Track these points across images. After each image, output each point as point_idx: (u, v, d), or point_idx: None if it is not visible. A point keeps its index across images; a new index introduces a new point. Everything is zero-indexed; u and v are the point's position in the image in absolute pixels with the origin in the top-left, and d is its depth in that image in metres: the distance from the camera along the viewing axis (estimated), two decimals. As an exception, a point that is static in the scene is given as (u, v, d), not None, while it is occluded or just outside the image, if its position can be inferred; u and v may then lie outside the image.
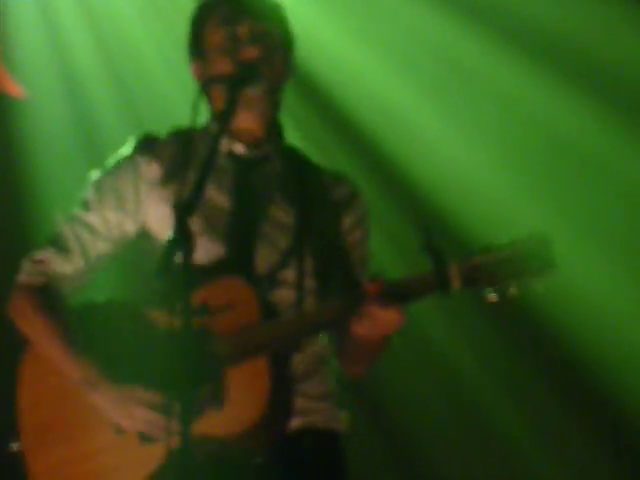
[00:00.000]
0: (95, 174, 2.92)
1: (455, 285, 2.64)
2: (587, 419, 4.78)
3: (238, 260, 2.90)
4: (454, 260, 2.67)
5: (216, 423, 2.66)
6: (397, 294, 2.72)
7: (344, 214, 3.04)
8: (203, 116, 2.91)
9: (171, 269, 2.32)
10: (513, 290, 2.66)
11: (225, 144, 2.85)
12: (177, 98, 3.96)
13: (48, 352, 2.84)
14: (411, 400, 4.80)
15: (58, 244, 2.90)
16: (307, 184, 3.07)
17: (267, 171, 2.97)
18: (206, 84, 2.87)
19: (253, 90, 2.79)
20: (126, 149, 2.92)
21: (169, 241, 2.32)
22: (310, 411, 2.95)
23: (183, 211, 2.38)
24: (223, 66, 2.84)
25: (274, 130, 2.98)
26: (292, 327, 2.82)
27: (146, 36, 4.59)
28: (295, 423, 2.88)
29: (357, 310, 2.68)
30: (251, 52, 2.81)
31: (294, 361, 2.90)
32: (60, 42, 4.67)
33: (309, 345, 2.94)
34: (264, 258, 2.90)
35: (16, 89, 4.48)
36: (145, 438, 2.78)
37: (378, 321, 2.68)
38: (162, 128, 2.98)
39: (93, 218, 2.86)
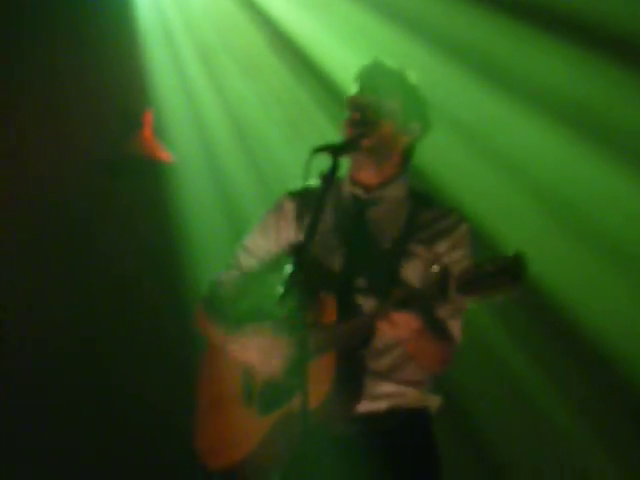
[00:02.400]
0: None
1: (452, 295, 2.96)
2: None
3: (342, 278, 3.34)
4: (453, 275, 2.97)
5: (314, 402, 3.11)
6: (408, 301, 3.09)
7: (442, 240, 3.36)
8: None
9: (290, 294, 2.96)
10: (498, 298, 2.91)
11: (349, 188, 3.34)
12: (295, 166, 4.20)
13: (211, 337, 3.53)
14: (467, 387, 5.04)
15: (227, 265, 3.62)
16: (409, 219, 3.43)
17: (377, 210, 3.36)
18: (328, 149, 3.24)
19: (355, 155, 3.26)
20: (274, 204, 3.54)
21: (290, 274, 2.92)
22: (399, 395, 3.33)
23: (299, 249, 2.97)
24: (345, 130, 3.32)
25: (389, 180, 3.38)
26: (349, 328, 3.24)
27: (271, 120, 5.08)
28: (384, 404, 3.29)
29: (379, 314, 3.10)
30: (355, 118, 3.29)
31: (382, 357, 3.31)
32: (200, 118, 5.23)
33: (395, 344, 3.32)
34: (363, 275, 3.31)
35: (166, 155, 5.07)
36: (261, 411, 3.35)
37: (395, 323, 3.08)
38: (282, 191, 3.54)
39: (248, 242, 3.53)
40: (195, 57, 5.21)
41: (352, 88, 3.40)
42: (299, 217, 3.46)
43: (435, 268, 3.06)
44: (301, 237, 3.30)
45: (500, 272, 2.87)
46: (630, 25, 4.68)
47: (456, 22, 4.87)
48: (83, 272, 5.22)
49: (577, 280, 4.84)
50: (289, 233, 3.44)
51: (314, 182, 3.38)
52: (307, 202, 3.46)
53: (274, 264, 3.48)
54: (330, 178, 3.16)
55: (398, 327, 3.07)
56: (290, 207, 3.49)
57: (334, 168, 3.15)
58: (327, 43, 4.84)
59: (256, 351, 3.36)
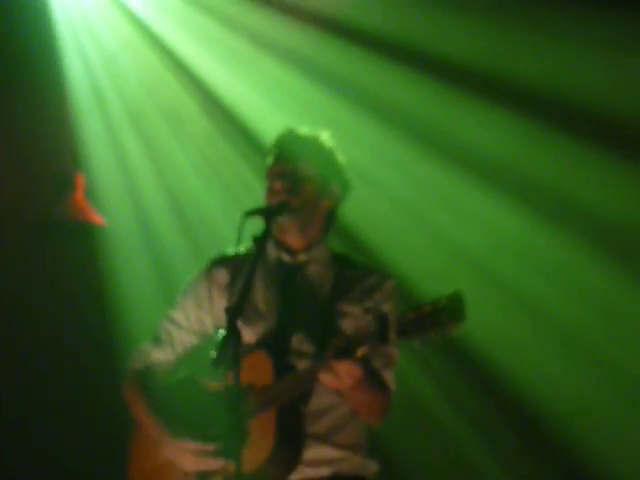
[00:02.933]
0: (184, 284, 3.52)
1: (392, 336, 2.99)
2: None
3: (276, 340, 3.35)
4: (391, 318, 3.02)
5: (244, 462, 2.99)
6: (349, 348, 3.09)
7: (370, 297, 3.42)
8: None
9: (224, 356, 2.89)
10: (435, 337, 2.95)
11: (275, 253, 3.38)
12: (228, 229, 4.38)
13: (140, 419, 3.42)
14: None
15: (155, 337, 3.49)
16: (336, 280, 3.48)
17: (305, 273, 3.43)
18: (257, 212, 3.32)
19: (282, 219, 3.30)
20: (200, 270, 3.51)
21: (222, 337, 2.87)
22: (340, 460, 3.32)
23: (233, 313, 2.93)
24: (268, 200, 3.37)
25: (313, 243, 3.44)
26: (288, 384, 3.22)
27: (203, 183, 5.08)
28: (325, 471, 3.28)
29: (321, 366, 3.09)
30: (279, 188, 3.32)
31: (321, 419, 3.30)
32: (131, 180, 5.20)
33: (335, 405, 3.32)
34: (297, 337, 3.32)
35: (98, 218, 5.01)
36: (202, 478, 3.26)
37: (337, 373, 3.07)
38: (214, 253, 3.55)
39: (178, 315, 3.44)
40: (125, 119, 5.22)
41: (268, 159, 3.46)
42: (230, 284, 3.47)
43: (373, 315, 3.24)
44: (233, 302, 3.26)
45: (439, 312, 2.91)
46: (548, 82, 4.78)
47: (383, 83, 4.92)
48: (9, 334, 5.11)
49: (502, 337, 4.88)
50: (222, 302, 3.43)
51: (238, 248, 3.45)
52: (237, 268, 3.48)
53: (207, 336, 3.47)
54: (263, 240, 3.21)
55: (340, 377, 3.05)
56: (220, 275, 3.50)
57: (267, 230, 3.22)
58: (254, 102, 4.92)
59: (191, 457, 3.33)
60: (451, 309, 2.92)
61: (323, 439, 3.27)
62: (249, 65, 5.02)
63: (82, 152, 5.15)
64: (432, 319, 2.94)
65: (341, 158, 3.52)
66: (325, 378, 3.05)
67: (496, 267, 4.95)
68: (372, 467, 3.35)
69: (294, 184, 3.36)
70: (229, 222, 3.86)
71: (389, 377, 3.32)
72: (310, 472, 3.22)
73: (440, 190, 4.93)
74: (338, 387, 3.09)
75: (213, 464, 3.26)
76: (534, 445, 5.00)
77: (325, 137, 3.53)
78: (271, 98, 4.86)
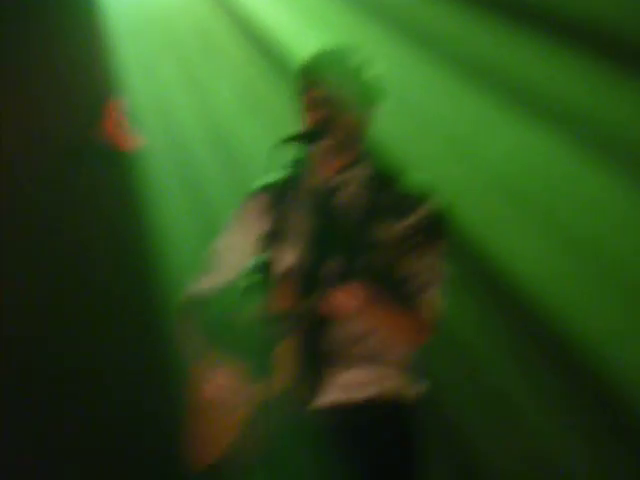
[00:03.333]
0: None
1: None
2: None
3: (306, 267, 3.41)
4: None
5: (275, 384, 3.25)
6: (355, 269, 3.27)
7: (406, 218, 3.38)
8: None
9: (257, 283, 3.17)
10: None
11: (311, 178, 3.42)
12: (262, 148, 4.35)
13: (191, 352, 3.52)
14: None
15: (203, 265, 3.62)
16: (370, 204, 3.46)
17: (345, 193, 3.42)
18: (292, 140, 3.37)
19: (322, 144, 3.30)
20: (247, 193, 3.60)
21: (256, 264, 3.15)
22: (385, 378, 3.38)
23: (267, 241, 3.16)
24: (307, 123, 3.37)
25: (348, 165, 3.43)
26: (310, 309, 3.33)
27: (240, 108, 5.17)
28: (370, 390, 3.33)
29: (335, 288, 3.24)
30: (320, 114, 3.33)
31: (363, 342, 3.35)
32: (169, 106, 5.32)
33: (371, 330, 3.39)
34: (326, 263, 3.34)
35: (134, 143, 5.15)
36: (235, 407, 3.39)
37: (348, 292, 3.21)
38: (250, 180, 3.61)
39: (224, 243, 3.58)
40: (162, 46, 5.30)
41: (302, 81, 3.48)
42: (267, 212, 3.53)
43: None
44: (270, 229, 3.45)
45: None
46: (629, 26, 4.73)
47: (438, 18, 4.95)
48: (49, 258, 5.24)
49: (563, 288, 4.93)
50: (259, 230, 3.52)
51: (278, 175, 3.53)
52: (276, 195, 3.54)
53: (248, 263, 3.56)
54: (301, 166, 3.35)
55: (352, 296, 3.17)
56: (261, 203, 3.54)
57: (305, 156, 3.32)
58: (291, 26, 4.99)
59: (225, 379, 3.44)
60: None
61: (359, 362, 3.33)
62: None
63: (119, 79, 5.22)
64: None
65: (370, 74, 3.52)
66: (339, 297, 3.18)
67: (557, 215, 5.04)
68: (418, 387, 3.40)
69: (330, 107, 3.36)
70: (266, 148, 3.89)
71: (430, 297, 3.37)
72: (344, 394, 3.31)
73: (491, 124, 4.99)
74: (353, 306, 3.20)
75: (249, 386, 3.37)
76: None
77: (354, 55, 3.51)
78: (308, 22, 4.91)
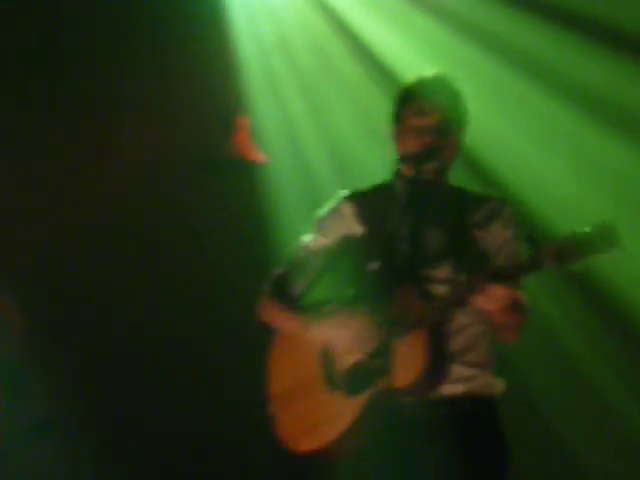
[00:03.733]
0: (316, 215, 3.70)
1: (546, 264, 3.09)
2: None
3: (413, 267, 3.44)
4: (545, 246, 3.10)
5: (395, 379, 3.24)
6: (503, 273, 3.19)
7: (493, 221, 3.50)
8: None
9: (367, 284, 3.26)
10: (583, 263, 3.05)
11: (406, 187, 3.46)
12: (375, 164, 4.59)
13: (283, 326, 3.64)
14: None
15: (289, 262, 3.71)
16: (463, 210, 3.54)
17: (434, 205, 3.50)
18: (401, 160, 3.46)
19: (429, 166, 3.38)
20: (334, 199, 3.66)
21: (369, 267, 3.26)
22: (473, 378, 3.41)
23: (370, 245, 3.33)
24: (412, 145, 3.40)
25: (442, 174, 3.50)
26: (436, 307, 3.33)
27: (355, 127, 5.33)
28: (458, 389, 3.36)
29: (475, 289, 3.19)
30: (429, 140, 3.38)
31: (456, 338, 3.39)
32: (290, 122, 5.46)
33: (468, 325, 3.43)
34: (433, 264, 3.44)
35: (259, 156, 5.34)
36: (350, 391, 3.38)
37: (491, 296, 3.15)
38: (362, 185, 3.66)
39: (309, 242, 3.66)
40: (285, 67, 5.45)
41: (412, 103, 3.48)
42: (360, 214, 3.59)
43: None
44: (364, 237, 3.53)
45: (589, 240, 3.00)
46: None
47: (527, 39, 4.99)
48: (182, 264, 5.45)
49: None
50: (347, 231, 3.59)
51: (367, 185, 3.62)
52: (365, 202, 3.60)
53: (332, 261, 3.62)
54: (399, 179, 3.44)
55: (495, 299, 3.16)
56: (348, 208, 3.61)
57: (417, 174, 3.38)
58: (405, 54, 5.05)
59: (346, 331, 3.42)
60: (601, 238, 3.00)
61: (457, 357, 3.36)
62: (401, 19, 5.16)
63: (246, 96, 5.40)
64: (586, 247, 3.02)
65: (466, 100, 3.57)
66: (478, 300, 3.15)
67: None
68: (500, 386, 3.44)
69: (441, 129, 3.41)
70: (376, 161, 4.00)
71: (524, 296, 3.40)
72: (446, 389, 3.31)
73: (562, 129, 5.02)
74: (489, 309, 3.19)
75: (370, 333, 3.41)
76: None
77: (452, 80, 3.56)
78: (421, 51, 4.98)
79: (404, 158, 3.42)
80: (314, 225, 3.71)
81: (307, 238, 3.69)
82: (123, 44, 5.48)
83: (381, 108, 4.57)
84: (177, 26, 5.40)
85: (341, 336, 3.45)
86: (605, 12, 4.90)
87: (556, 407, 5.18)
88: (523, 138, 5.16)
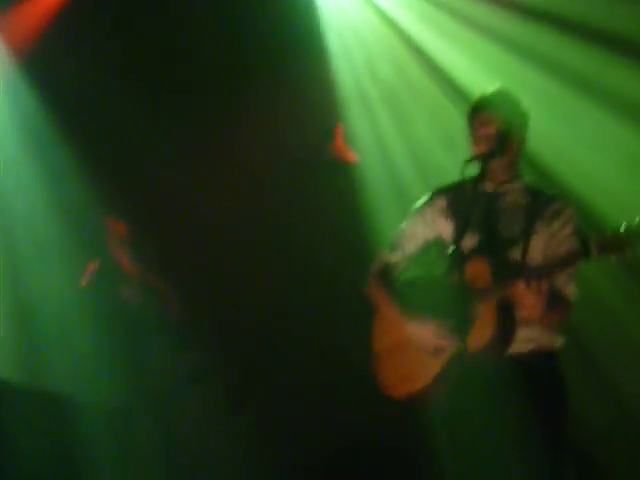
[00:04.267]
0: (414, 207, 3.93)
1: (593, 254, 3.28)
2: None
3: (488, 250, 3.63)
4: (593, 238, 3.29)
5: (470, 342, 3.48)
6: (557, 264, 3.40)
7: (556, 219, 3.63)
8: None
9: (452, 262, 3.48)
10: (628, 255, 3.22)
11: (484, 186, 3.64)
12: (450, 165, 4.65)
13: (382, 305, 3.85)
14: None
15: (391, 245, 3.93)
16: (529, 206, 3.68)
17: (507, 199, 3.69)
18: (474, 158, 3.64)
19: (496, 162, 3.62)
20: (428, 193, 3.86)
21: (450, 247, 3.50)
22: (535, 338, 3.58)
23: (457, 231, 3.53)
24: (480, 149, 3.65)
25: (512, 178, 3.69)
26: (502, 290, 3.49)
27: (431, 133, 5.50)
28: (524, 347, 3.54)
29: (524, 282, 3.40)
30: (492, 144, 3.61)
31: (527, 306, 3.46)
32: (378, 130, 5.65)
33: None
34: (503, 248, 3.60)
35: (353, 158, 5.61)
36: (436, 352, 3.59)
37: (535, 290, 3.34)
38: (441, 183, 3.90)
39: (408, 228, 3.86)
40: (373, 83, 5.68)
41: (479, 112, 3.69)
42: (448, 209, 3.79)
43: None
44: (451, 225, 3.71)
45: (632, 235, 3.20)
46: None
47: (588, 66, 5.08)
48: (285, 258, 5.71)
49: None
50: (440, 222, 3.78)
51: (454, 181, 3.77)
52: (453, 195, 3.80)
53: (427, 247, 3.83)
54: (480, 178, 3.60)
55: (529, 300, 3.38)
56: (440, 201, 3.82)
57: (484, 170, 3.61)
58: (474, 75, 5.19)
59: (429, 332, 3.62)
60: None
61: (522, 322, 3.52)
62: (469, 45, 5.35)
63: (341, 108, 5.69)
64: (627, 239, 3.23)
65: (526, 110, 3.73)
66: (521, 291, 3.36)
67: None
68: (560, 341, 3.65)
69: (503, 134, 3.62)
70: (452, 166, 4.02)
71: (570, 292, 3.59)
72: (515, 348, 3.52)
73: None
74: (529, 299, 3.39)
75: (446, 341, 3.61)
76: None
77: (515, 95, 3.75)
78: (486, 71, 5.15)
79: (476, 158, 3.63)
80: (411, 214, 3.89)
81: (406, 225, 3.88)
82: (242, 70, 5.76)
83: (453, 119, 4.92)
84: (284, 53, 5.65)
85: (426, 335, 3.61)
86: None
87: (610, 358, 5.21)
88: (580, 145, 5.19)
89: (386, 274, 3.88)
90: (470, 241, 3.64)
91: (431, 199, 3.84)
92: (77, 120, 5.75)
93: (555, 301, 3.47)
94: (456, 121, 4.27)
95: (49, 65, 5.77)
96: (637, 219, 3.23)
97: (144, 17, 5.83)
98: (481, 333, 3.51)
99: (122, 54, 5.78)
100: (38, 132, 5.80)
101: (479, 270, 3.60)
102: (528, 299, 3.37)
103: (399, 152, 5.61)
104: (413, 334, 3.72)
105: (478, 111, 3.74)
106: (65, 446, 4.50)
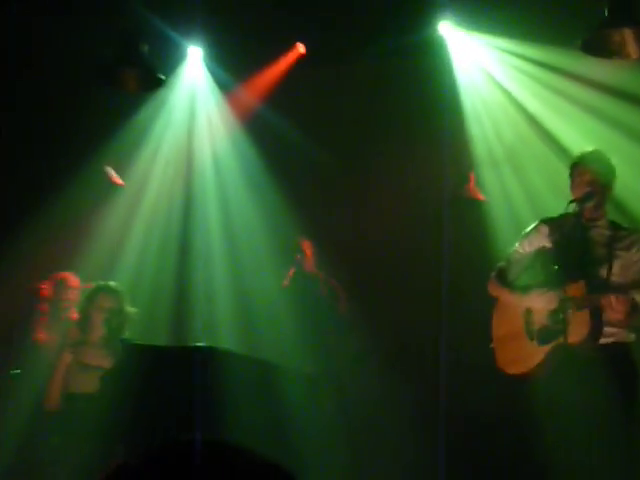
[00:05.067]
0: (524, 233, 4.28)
1: None
2: None
3: (584, 269, 3.90)
4: None
5: (570, 336, 3.80)
6: (629, 287, 3.77)
7: (633, 248, 3.91)
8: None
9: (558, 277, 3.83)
10: None
11: (578, 220, 3.95)
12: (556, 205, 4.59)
13: (503, 297, 4.17)
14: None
15: (506, 258, 4.31)
16: (613, 236, 3.98)
17: (595, 230, 4.02)
18: (574, 200, 4.00)
19: (588, 205, 4.00)
20: (535, 222, 4.24)
21: (556, 266, 3.86)
22: (615, 334, 3.88)
23: (562, 255, 3.87)
24: (578, 193, 4.06)
25: (601, 215, 4.03)
26: (594, 298, 3.81)
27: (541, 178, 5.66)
28: (609, 340, 3.87)
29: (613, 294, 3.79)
30: (587, 190, 4.00)
31: (606, 312, 3.78)
32: (500, 175, 5.90)
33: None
34: (594, 267, 3.91)
35: (481, 197, 5.84)
36: (540, 342, 3.91)
37: (615, 304, 3.71)
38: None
39: (519, 247, 4.25)
40: (498, 142, 5.96)
41: (579, 166, 4.04)
42: (551, 235, 4.14)
43: None
44: (551, 246, 4.03)
45: None
46: None
47: None
48: (419, 279, 6.01)
49: None
50: (542, 243, 4.13)
51: (553, 216, 4.13)
52: (555, 225, 4.14)
53: (532, 262, 4.18)
54: (579, 214, 3.99)
55: (620, 301, 3.73)
56: (544, 229, 4.18)
57: (581, 209, 3.98)
58: (575, 139, 5.37)
59: (538, 305, 4.01)
60: None
61: (607, 323, 3.89)
62: (576, 121, 5.56)
63: (474, 158, 6.00)
64: None
65: (613, 166, 4.10)
66: (614, 298, 3.75)
67: None
68: (632, 337, 4.03)
69: (595, 183, 4.02)
70: (557, 205, 4.32)
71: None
72: (602, 341, 3.89)
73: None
74: (616, 306, 3.76)
75: (554, 331, 3.89)
76: None
77: (605, 154, 4.15)
78: (584, 137, 5.29)
79: (575, 201, 3.97)
80: (523, 238, 4.24)
81: (518, 246, 4.24)
82: (382, 130, 6.17)
83: (559, 173, 5.09)
84: (431, 118, 5.91)
85: (536, 308, 3.97)
86: None
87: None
88: None
89: (502, 276, 4.25)
90: (571, 259, 3.89)
91: (537, 226, 4.18)
92: (283, 168, 6.25)
93: (633, 308, 3.81)
94: (561, 175, 4.55)
95: (266, 127, 6.32)
96: None
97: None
98: (579, 330, 3.81)
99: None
100: (256, 176, 6.30)
101: (578, 285, 3.87)
102: (617, 307, 3.68)
103: (517, 195, 5.74)
104: (531, 302, 3.97)
105: (577, 165, 4.12)
106: (271, 402, 4.52)
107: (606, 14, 4.56)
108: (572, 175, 4.13)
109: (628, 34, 4.55)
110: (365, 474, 5.55)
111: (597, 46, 4.67)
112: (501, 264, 4.29)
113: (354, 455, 5.42)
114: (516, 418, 4.75)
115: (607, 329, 3.89)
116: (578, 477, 3.79)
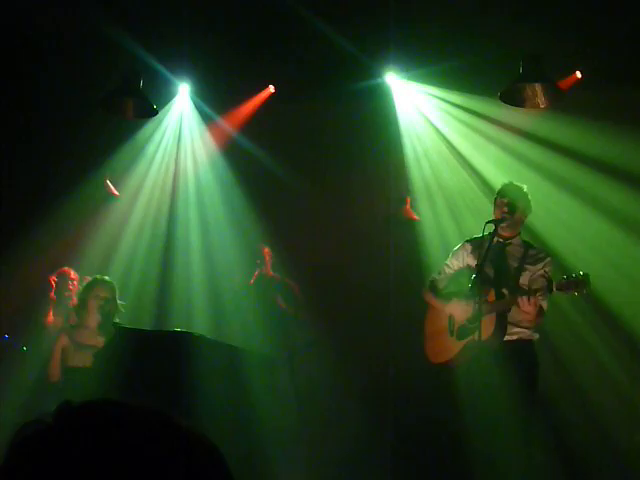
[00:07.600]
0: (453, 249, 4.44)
1: (554, 290, 3.74)
2: None
3: (496, 280, 4.02)
4: (555, 281, 3.79)
5: (481, 334, 3.88)
6: (537, 291, 3.79)
7: (538, 263, 4.03)
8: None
9: (473, 286, 3.93)
10: (574, 294, 3.68)
11: (496, 239, 4.06)
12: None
13: (434, 304, 4.32)
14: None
15: (438, 272, 4.43)
16: (523, 253, 4.08)
17: (509, 249, 4.13)
18: (490, 221, 4.11)
19: (503, 225, 4.16)
20: (461, 242, 4.36)
21: (473, 278, 3.90)
22: (519, 332, 3.99)
23: (477, 267, 3.96)
24: (496, 215, 4.18)
25: (514, 235, 4.17)
26: (503, 303, 3.92)
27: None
28: (513, 337, 3.98)
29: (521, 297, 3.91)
30: (503, 213, 4.14)
31: (511, 314, 3.93)
32: (433, 202, 6.13)
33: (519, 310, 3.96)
34: (505, 280, 4.00)
35: (415, 217, 5.96)
36: (459, 338, 4.03)
37: (530, 301, 3.78)
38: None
39: (448, 262, 4.36)
40: (432, 174, 6.12)
41: (498, 195, 4.22)
42: (473, 251, 4.28)
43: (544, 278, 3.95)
44: (475, 262, 4.09)
45: (578, 281, 3.66)
46: None
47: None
48: (374, 276, 6.02)
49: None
50: (467, 259, 4.28)
51: (477, 236, 4.23)
52: (477, 244, 4.26)
53: (457, 273, 4.33)
54: (493, 234, 4.14)
55: (529, 304, 3.84)
56: (468, 247, 4.34)
57: (495, 229, 4.14)
58: (500, 177, 5.24)
59: (459, 310, 4.15)
60: (585, 281, 3.66)
61: (511, 323, 4.03)
62: (502, 163, 5.71)
63: (410, 185, 6.14)
64: (575, 284, 3.68)
65: (529, 197, 4.24)
66: (521, 302, 3.86)
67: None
68: (536, 336, 4.15)
69: (510, 208, 4.16)
70: (479, 226, 4.39)
71: (545, 305, 4.08)
72: (507, 337, 4.00)
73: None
74: (525, 308, 3.87)
75: (470, 329, 4.08)
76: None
77: (524, 187, 4.29)
78: (509, 177, 5.17)
79: (492, 222, 4.12)
80: (451, 254, 4.37)
81: (447, 261, 4.38)
82: (337, 158, 6.22)
83: (482, 200, 5.28)
84: (374, 151, 6.17)
85: (457, 312, 4.12)
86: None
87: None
88: (561, 224, 5.46)
89: (434, 287, 4.40)
90: (486, 272, 4.05)
91: (463, 245, 4.35)
92: (253, 187, 6.30)
93: (539, 312, 3.96)
94: (483, 202, 4.89)
95: (241, 152, 6.37)
96: (580, 273, 3.73)
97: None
98: (487, 328, 3.93)
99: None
100: (230, 192, 6.33)
101: (490, 293, 4.02)
102: (527, 308, 3.80)
103: (446, 219, 5.88)
104: (451, 310, 4.14)
105: (498, 194, 4.30)
106: (236, 380, 4.46)
107: (521, 71, 4.84)
108: (495, 202, 4.28)
109: (538, 88, 4.88)
110: (316, 446, 5.52)
111: (512, 97, 5.00)
112: (433, 275, 4.45)
113: (306, 429, 5.42)
114: (443, 397, 4.75)
115: (513, 329, 4.03)
116: (490, 447, 3.90)
